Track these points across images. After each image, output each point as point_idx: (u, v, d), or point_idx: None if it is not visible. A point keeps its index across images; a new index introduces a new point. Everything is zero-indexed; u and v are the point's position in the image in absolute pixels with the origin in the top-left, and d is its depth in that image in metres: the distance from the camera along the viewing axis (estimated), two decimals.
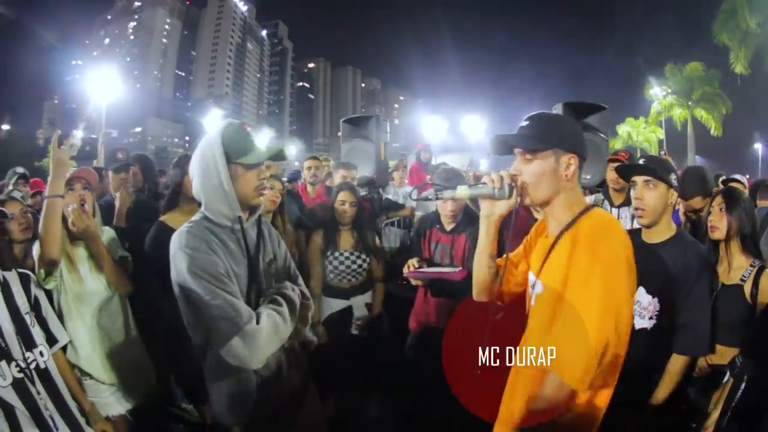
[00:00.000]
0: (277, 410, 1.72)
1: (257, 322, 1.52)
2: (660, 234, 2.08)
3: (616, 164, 3.11)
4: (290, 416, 1.79)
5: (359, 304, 3.18)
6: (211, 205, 1.64)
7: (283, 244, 1.95)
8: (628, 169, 2.21)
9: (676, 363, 1.97)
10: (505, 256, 1.55)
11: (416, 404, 2.90)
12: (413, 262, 2.71)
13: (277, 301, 1.65)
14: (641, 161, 2.19)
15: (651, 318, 2.00)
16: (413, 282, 2.71)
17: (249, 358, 1.50)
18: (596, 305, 1.20)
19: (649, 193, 2.04)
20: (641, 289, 2.00)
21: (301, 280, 1.92)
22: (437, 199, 1.63)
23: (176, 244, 1.58)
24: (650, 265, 1.98)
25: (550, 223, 1.47)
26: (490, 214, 1.49)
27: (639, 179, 2.08)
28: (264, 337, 1.52)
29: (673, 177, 2.05)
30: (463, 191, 1.46)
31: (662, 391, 1.97)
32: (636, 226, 3.32)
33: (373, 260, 3.21)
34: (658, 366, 2.00)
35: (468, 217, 2.94)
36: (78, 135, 2.04)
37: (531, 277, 1.52)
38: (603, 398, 1.34)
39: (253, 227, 1.78)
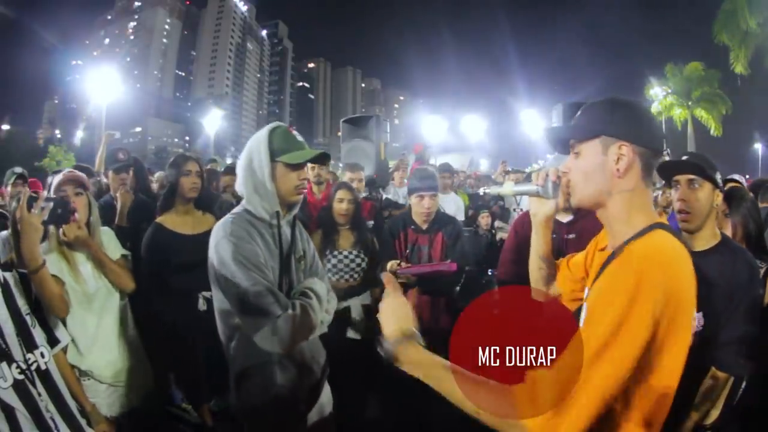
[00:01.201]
0: (295, 401, 1.80)
1: (293, 310, 1.62)
2: (705, 240, 1.87)
3: None
4: (307, 407, 1.87)
5: (357, 306, 3.12)
6: (252, 199, 1.74)
7: (312, 243, 2.03)
8: (669, 167, 1.96)
9: (723, 380, 1.78)
10: (564, 259, 1.46)
11: (413, 406, 2.89)
12: (394, 264, 2.69)
13: (307, 294, 1.74)
14: (684, 158, 1.96)
15: (694, 334, 1.81)
16: (401, 280, 2.65)
17: (280, 343, 1.59)
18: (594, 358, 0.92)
19: (694, 194, 1.84)
20: None
21: (326, 278, 2.00)
22: (485, 194, 1.60)
23: (221, 232, 1.67)
24: (695, 276, 1.86)
25: (608, 233, 1.20)
26: (535, 213, 1.39)
27: (682, 178, 1.87)
28: (297, 325, 1.61)
29: (718, 176, 1.86)
30: (508, 188, 1.46)
31: (714, 412, 1.80)
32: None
33: (372, 260, 3.17)
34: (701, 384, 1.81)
35: (442, 216, 2.96)
36: (45, 195, 1.88)
37: (586, 290, 1.29)
38: None
39: (289, 225, 1.87)
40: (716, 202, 1.87)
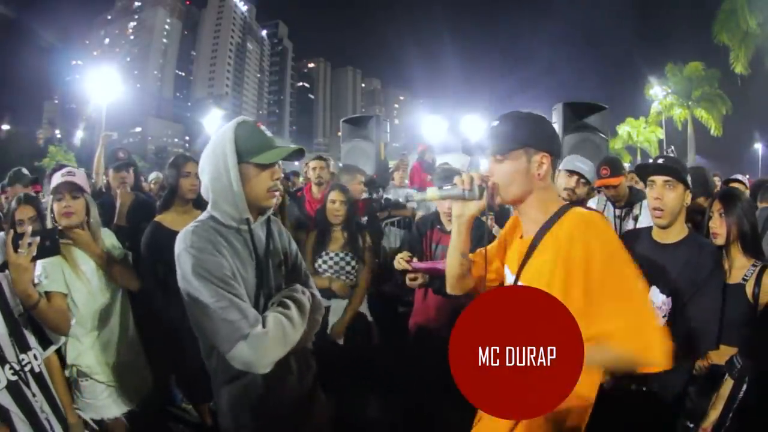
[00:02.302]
0: (284, 415, 1.68)
1: (264, 326, 1.46)
2: (674, 234, 2.07)
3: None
4: (297, 421, 1.75)
5: (338, 307, 3.10)
6: (219, 205, 1.57)
7: (294, 243, 1.87)
8: (646, 169, 2.18)
9: (685, 361, 1.97)
10: (482, 249, 1.60)
11: (414, 406, 2.88)
12: (402, 257, 2.61)
13: (285, 304, 1.59)
14: (660, 161, 2.16)
15: (664, 317, 1.98)
16: (415, 284, 2.58)
17: (255, 362, 1.44)
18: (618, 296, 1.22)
19: (668, 194, 2.03)
20: (654, 289, 1.99)
21: (312, 282, 1.85)
22: (407, 202, 1.62)
23: (181, 244, 1.52)
24: (664, 265, 2.01)
25: (525, 223, 1.46)
26: (461, 215, 1.50)
27: (658, 179, 2.06)
28: (271, 341, 1.46)
29: (688, 178, 2.05)
30: (432, 193, 1.47)
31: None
32: (636, 226, 3.35)
33: (359, 263, 3.13)
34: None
35: None
36: (30, 230, 1.82)
37: (508, 275, 1.51)
38: (587, 388, 1.34)
39: (262, 227, 1.70)
40: (686, 201, 2.05)
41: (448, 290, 1.68)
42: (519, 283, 1.39)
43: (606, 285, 1.21)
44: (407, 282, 2.52)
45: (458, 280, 1.64)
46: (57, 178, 2.21)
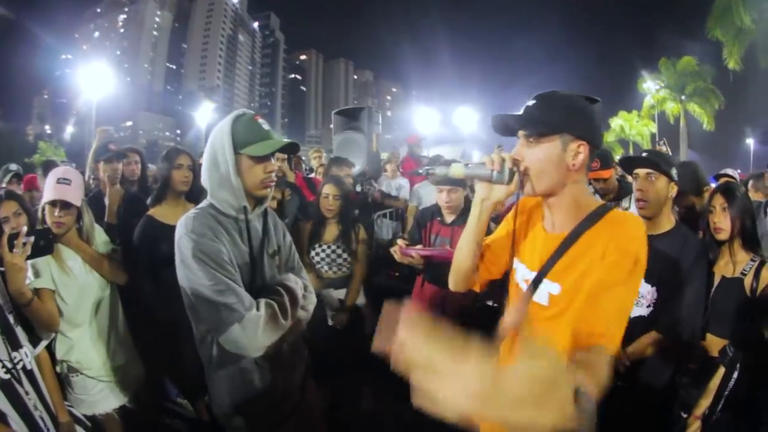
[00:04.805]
0: (277, 401, 1.73)
1: (258, 310, 1.53)
2: (660, 226, 2.12)
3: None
4: (290, 407, 1.79)
5: (331, 296, 3.18)
6: (217, 193, 1.63)
7: (288, 236, 1.94)
8: (630, 161, 2.28)
9: (657, 341, 2.02)
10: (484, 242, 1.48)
11: (406, 398, 2.89)
12: (402, 243, 2.62)
13: (278, 292, 1.66)
14: (644, 154, 2.24)
15: (648, 306, 2.04)
16: (406, 261, 2.56)
17: (248, 345, 1.51)
18: (619, 315, 1.16)
19: (650, 186, 2.10)
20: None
21: (304, 273, 1.93)
22: (429, 174, 1.49)
23: (182, 228, 1.57)
24: (650, 256, 1.97)
25: (555, 217, 1.29)
26: (486, 198, 1.35)
27: (641, 172, 2.14)
28: (263, 325, 1.52)
29: (673, 171, 2.12)
30: (458, 169, 1.33)
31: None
32: None
33: (352, 255, 3.20)
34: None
35: (469, 209, 2.94)
36: (25, 230, 1.82)
37: (521, 269, 1.36)
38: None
39: (259, 218, 1.77)
40: (671, 193, 2.13)
41: (452, 286, 1.53)
42: (545, 281, 1.26)
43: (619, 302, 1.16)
44: (398, 257, 2.54)
45: (468, 274, 1.48)
46: (52, 183, 2.17)
